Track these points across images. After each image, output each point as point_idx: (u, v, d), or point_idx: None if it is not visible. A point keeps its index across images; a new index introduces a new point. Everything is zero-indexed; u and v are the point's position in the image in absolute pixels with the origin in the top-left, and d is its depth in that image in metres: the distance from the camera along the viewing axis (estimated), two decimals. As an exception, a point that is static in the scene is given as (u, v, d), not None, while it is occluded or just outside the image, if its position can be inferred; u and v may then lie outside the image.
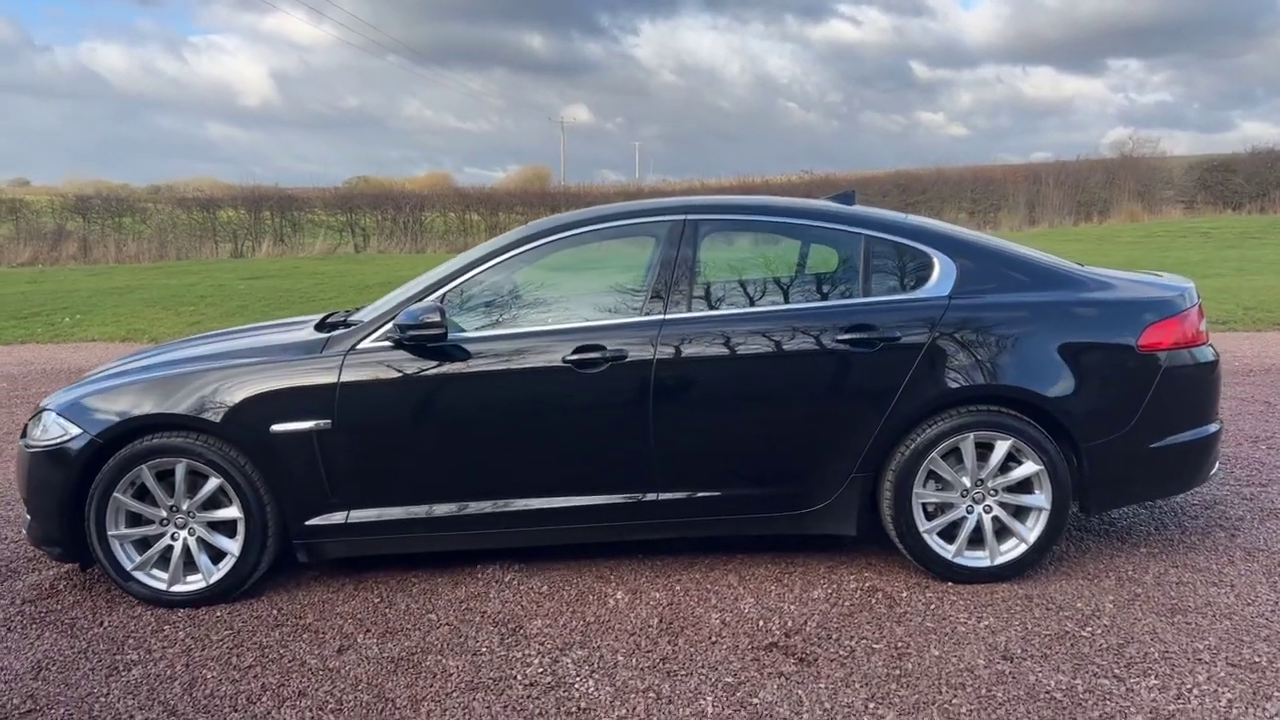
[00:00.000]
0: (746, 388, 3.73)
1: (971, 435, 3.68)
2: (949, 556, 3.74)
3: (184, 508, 3.74)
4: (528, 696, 2.99)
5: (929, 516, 3.76)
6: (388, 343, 3.72)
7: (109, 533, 3.72)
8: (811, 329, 3.70)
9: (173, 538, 3.76)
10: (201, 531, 3.75)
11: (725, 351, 3.70)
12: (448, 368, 3.70)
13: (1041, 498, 3.71)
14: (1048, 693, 2.93)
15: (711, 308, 3.79)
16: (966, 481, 3.73)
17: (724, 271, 3.97)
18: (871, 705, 2.89)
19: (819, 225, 3.95)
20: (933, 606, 3.56)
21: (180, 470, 3.71)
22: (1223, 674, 3.01)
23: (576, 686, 3.05)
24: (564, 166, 67.28)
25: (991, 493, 3.73)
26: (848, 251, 3.90)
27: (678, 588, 3.78)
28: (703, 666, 3.15)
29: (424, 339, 3.65)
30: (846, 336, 3.67)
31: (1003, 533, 3.76)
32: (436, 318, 3.61)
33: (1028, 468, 3.69)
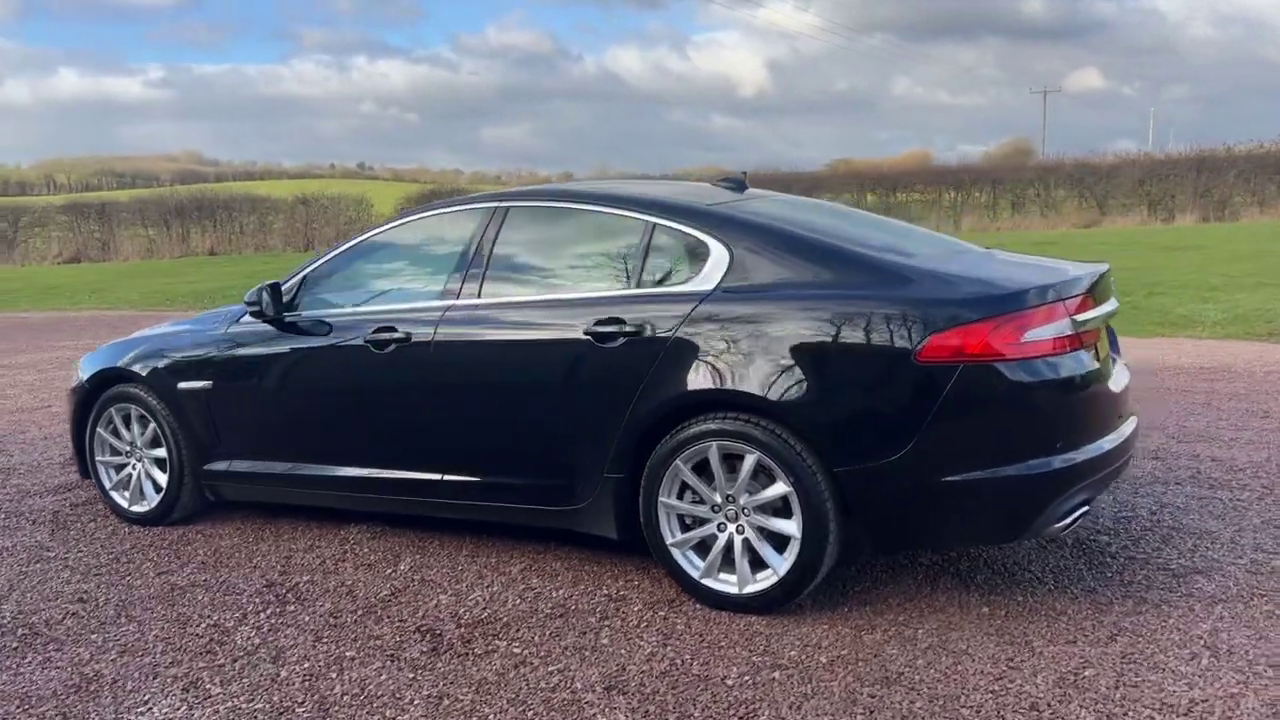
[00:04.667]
0: (507, 376, 3.69)
1: (714, 444, 3.29)
2: (696, 576, 3.39)
3: (138, 444, 4.64)
4: (193, 633, 3.37)
5: (686, 529, 3.44)
6: (255, 319, 4.27)
7: (97, 458, 4.74)
8: (565, 320, 3.56)
9: (132, 468, 4.68)
10: (147, 465, 4.62)
11: (491, 338, 3.71)
12: (285, 345, 4.15)
13: (794, 524, 3.21)
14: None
15: (494, 295, 3.79)
16: (716, 497, 3.34)
17: (523, 259, 3.90)
18: (405, 692, 2.86)
19: (612, 212, 3.72)
20: (640, 626, 3.28)
21: (133, 413, 4.61)
22: (794, 755, 2.48)
23: (233, 629, 3.37)
24: (1044, 138, 62.61)
25: (745, 512, 3.31)
26: (633, 238, 3.64)
27: (467, 567, 3.86)
28: (344, 634, 3.29)
29: (256, 315, 4.15)
30: (595, 329, 3.47)
31: (760, 560, 3.31)
32: (254, 296, 4.09)
33: (778, 488, 3.22)
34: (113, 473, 4.73)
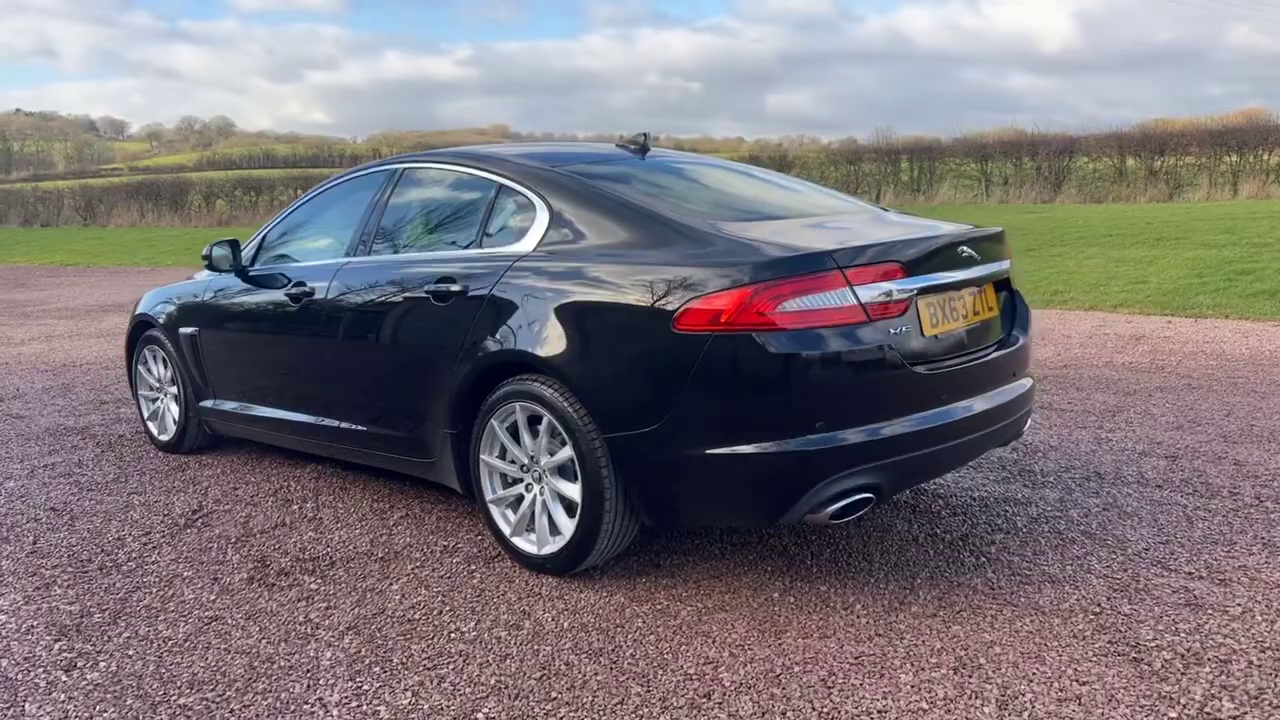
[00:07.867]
0: (376, 332, 3.86)
1: (517, 405, 3.31)
2: (507, 533, 3.44)
3: (163, 381, 5.27)
4: (95, 544, 3.85)
5: (508, 486, 3.49)
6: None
7: (138, 391, 5.43)
8: (417, 279, 3.68)
9: (160, 402, 5.31)
10: (168, 400, 5.25)
11: (364, 296, 3.90)
12: (239, 297, 4.58)
13: (577, 489, 3.17)
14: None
15: (377, 254, 3.97)
16: (524, 457, 3.36)
17: (403, 220, 4.04)
18: (193, 610, 3.13)
19: (473, 173, 3.77)
20: (440, 576, 3.38)
21: (158, 355, 5.23)
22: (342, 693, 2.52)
23: (125, 545, 3.80)
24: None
25: (545, 474, 3.31)
26: (484, 199, 3.69)
27: (360, 509, 4.12)
28: (201, 557, 3.63)
29: (208, 267, 4.60)
30: (434, 288, 3.57)
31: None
32: (207, 251, 4.52)
33: (566, 451, 3.19)
34: (148, 405, 5.41)
